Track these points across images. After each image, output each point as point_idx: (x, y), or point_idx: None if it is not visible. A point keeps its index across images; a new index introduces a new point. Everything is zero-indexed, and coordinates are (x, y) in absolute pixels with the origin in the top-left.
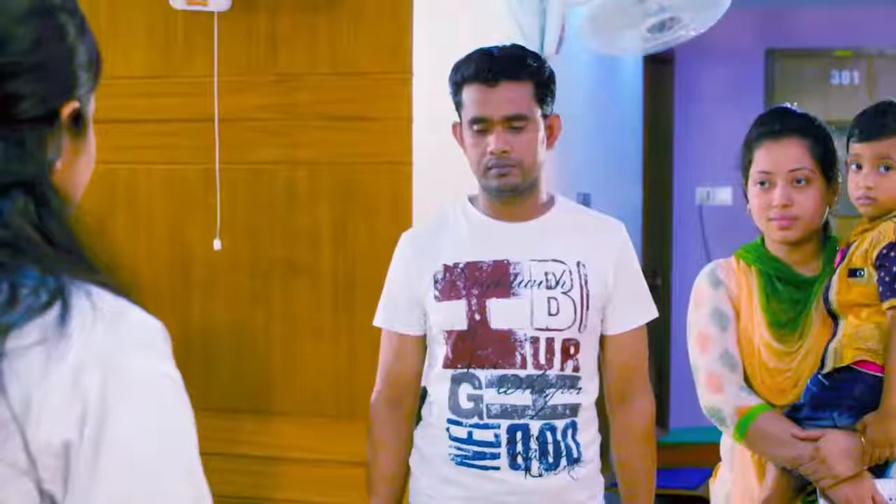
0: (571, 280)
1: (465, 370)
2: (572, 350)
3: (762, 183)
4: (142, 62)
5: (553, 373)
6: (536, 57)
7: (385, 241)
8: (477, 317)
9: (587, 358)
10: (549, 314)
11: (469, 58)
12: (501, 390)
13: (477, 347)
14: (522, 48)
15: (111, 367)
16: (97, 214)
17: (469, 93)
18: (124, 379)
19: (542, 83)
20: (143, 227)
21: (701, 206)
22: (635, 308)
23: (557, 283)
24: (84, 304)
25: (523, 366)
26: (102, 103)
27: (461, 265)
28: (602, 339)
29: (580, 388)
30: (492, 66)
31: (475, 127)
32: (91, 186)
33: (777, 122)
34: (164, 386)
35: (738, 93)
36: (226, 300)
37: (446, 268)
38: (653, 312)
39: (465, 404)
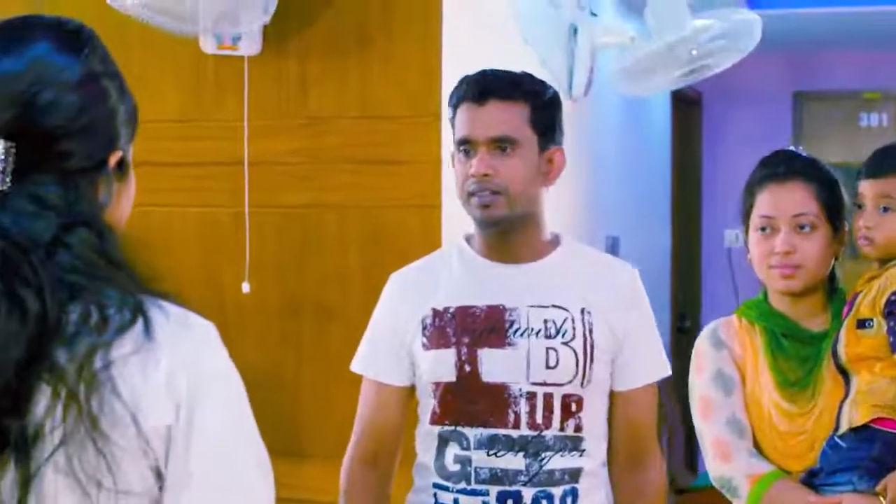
0: (574, 329)
1: (453, 428)
2: (574, 407)
3: (763, 228)
4: (173, 106)
5: (551, 433)
6: (538, 81)
7: None
8: (467, 368)
9: (593, 417)
10: (548, 367)
11: (464, 79)
12: (491, 452)
13: (466, 403)
14: (527, 73)
15: (192, 367)
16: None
17: (459, 113)
18: (204, 376)
19: (540, 107)
20: (173, 269)
21: (730, 249)
22: (648, 362)
23: (558, 331)
24: (159, 315)
25: (516, 425)
26: (134, 146)
27: (452, 310)
28: (610, 396)
29: (583, 451)
30: (481, 84)
31: (461, 148)
32: (123, 229)
33: (781, 165)
34: (233, 377)
35: (766, 135)
36: (256, 343)
37: (435, 312)
38: (666, 369)
39: (452, 467)
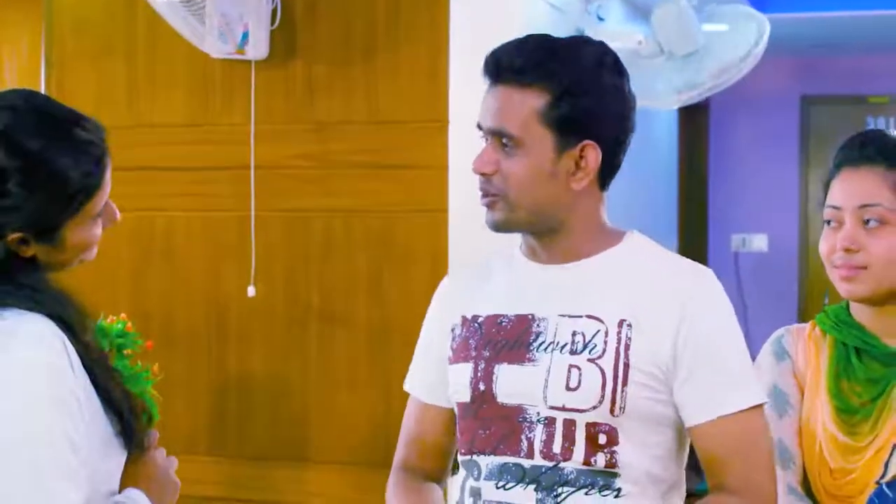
0: (605, 344)
1: (469, 456)
2: (603, 440)
3: (829, 221)
4: (180, 111)
5: (571, 466)
6: (570, 57)
7: (421, 290)
8: (481, 386)
9: (636, 454)
10: (568, 388)
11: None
12: (500, 484)
13: (479, 426)
14: (575, 43)
15: None
16: (135, 261)
17: None
18: None
19: (565, 94)
20: (179, 274)
21: (737, 253)
22: (723, 386)
23: (585, 346)
24: None
25: (529, 454)
26: (141, 151)
27: (481, 319)
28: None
29: (619, 492)
30: (496, 59)
31: (479, 135)
32: (129, 233)
33: (857, 147)
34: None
35: (773, 140)
36: (261, 348)
37: (464, 321)
38: (751, 396)
39: (467, 501)
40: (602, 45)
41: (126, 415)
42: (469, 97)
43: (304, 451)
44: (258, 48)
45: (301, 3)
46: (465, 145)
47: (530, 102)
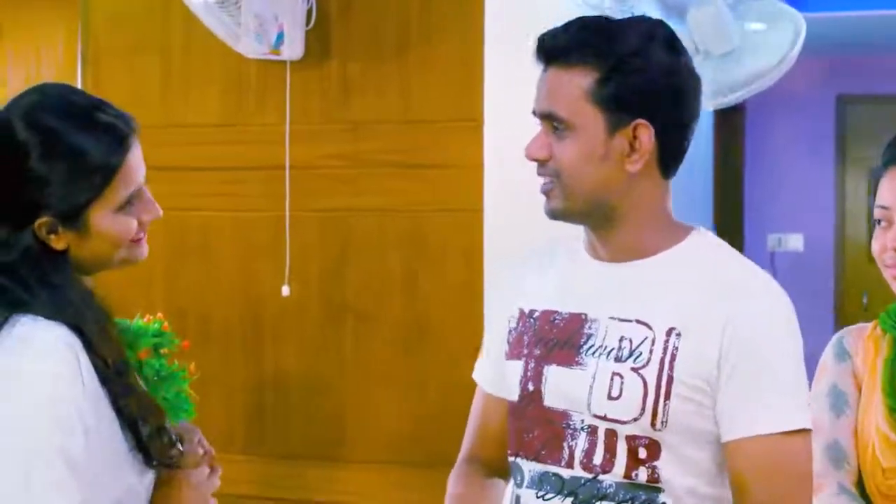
0: (651, 352)
1: (514, 457)
2: (644, 453)
3: (878, 221)
4: (215, 110)
5: (610, 479)
6: (617, 34)
7: (455, 288)
8: (530, 386)
9: (680, 469)
10: (609, 397)
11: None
12: (540, 493)
13: (525, 429)
14: (611, 21)
15: None
16: (170, 260)
17: None
18: None
19: (613, 71)
20: (214, 273)
21: (773, 253)
22: (761, 403)
23: (630, 354)
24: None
25: (569, 464)
26: (175, 150)
27: (537, 313)
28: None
29: None
30: (545, 43)
31: (535, 122)
32: (163, 233)
33: None
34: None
35: (809, 139)
36: (296, 347)
37: (521, 314)
38: (791, 419)
39: None
40: (654, 21)
41: (142, 431)
42: (503, 95)
43: (339, 450)
44: (293, 48)
45: (335, 3)
46: (499, 144)
47: (578, 82)
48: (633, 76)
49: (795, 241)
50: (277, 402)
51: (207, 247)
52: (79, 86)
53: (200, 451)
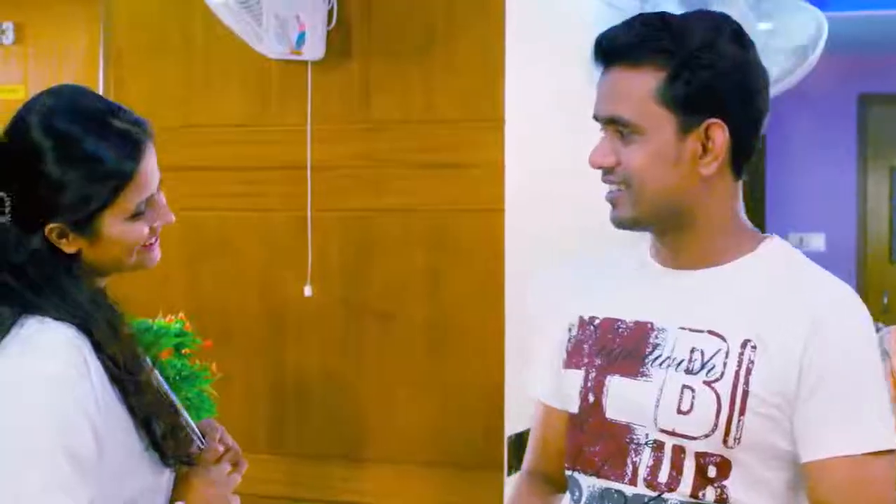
0: (725, 366)
1: (571, 472)
2: (714, 472)
3: None
4: (237, 111)
5: (676, 498)
6: (682, 29)
7: (477, 288)
8: (591, 398)
9: (752, 491)
10: (679, 411)
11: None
12: None
13: (585, 442)
14: (674, 16)
15: None
16: (191, 260)
17: None
18: None
19: (681, 69)
20: (236, 273)
21: None
22: (841, 423)
23: (703, 366)
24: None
25: (633, 481)
26: (197, 151)
27: (598, 321)
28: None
29: None
30: (606, 43)
31: (598, 127)
32: (183, 233)
33: None
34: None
35: (830, 138)
36: (319, 347)
37: (581, 322)
38: (873, 440)
39: None
40: (719, 15)
41: (155, 430)
42: (526, 96)
43: (362, 450)
44: (315, 49)
45: (357, 3)
46: (521, 144)
47: (644, 82)
48: (703, 73)
49: (817, 241)
50: (299, 403)
51: (229, 247)
52: (100, 86)
53: (220, 448)
